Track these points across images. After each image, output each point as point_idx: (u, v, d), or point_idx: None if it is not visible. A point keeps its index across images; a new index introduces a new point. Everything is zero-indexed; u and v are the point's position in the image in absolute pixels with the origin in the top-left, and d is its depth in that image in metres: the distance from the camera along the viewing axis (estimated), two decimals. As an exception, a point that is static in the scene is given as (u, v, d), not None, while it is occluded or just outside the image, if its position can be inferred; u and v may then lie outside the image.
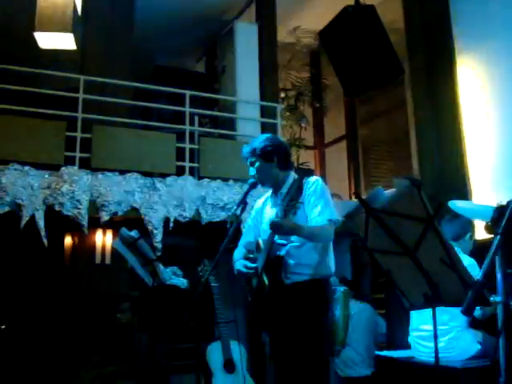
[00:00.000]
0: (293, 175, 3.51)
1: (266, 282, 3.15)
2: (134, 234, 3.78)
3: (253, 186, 3.44)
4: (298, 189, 3.19)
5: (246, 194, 3.40)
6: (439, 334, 3.79)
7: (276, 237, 3.21)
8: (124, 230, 3.80)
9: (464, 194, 5.64)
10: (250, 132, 6.56)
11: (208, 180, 6.10)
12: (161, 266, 3.71)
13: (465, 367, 3.74)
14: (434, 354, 3.78)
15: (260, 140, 3.50)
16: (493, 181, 5.70)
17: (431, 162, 6.24)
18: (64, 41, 4.66)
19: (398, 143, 8.04)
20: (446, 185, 5.91)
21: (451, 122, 6.08)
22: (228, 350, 4.20)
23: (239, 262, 3.36)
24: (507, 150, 5.58)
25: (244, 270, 3.27)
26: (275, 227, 3.05)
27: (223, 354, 4.20)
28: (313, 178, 3.43)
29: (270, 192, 3.55)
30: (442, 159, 6.13)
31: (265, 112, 6.96)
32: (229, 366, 4.21)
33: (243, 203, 3.38)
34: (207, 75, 8.31)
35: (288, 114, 8.28)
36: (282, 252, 3.22)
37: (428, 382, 3.91)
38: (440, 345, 3.81)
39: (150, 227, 5.77)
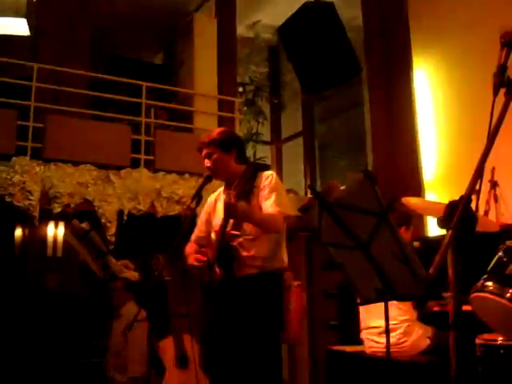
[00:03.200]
0: (257, 171, 3.52)
1: (218, 274, 3.15)
2: (85, 226, 3.72)
3: (208, 180, 3.42)
4: (251, 179, 3.23)
5: (201, 187, 3.38)
6: (390, 329, 3.87)
7: (228, 228, 3.21)
8: (75, 222, 3.74)
9: (417, 193, 5.73)
10: (208, 126, 6.51)
11: (163, 173, 6.04)
12: (112, 259, 3.66)
13: (414, 362, 3.81)
14: (385, 349, 3.87)
15: (218, 131, 3.50)
16: (445, 180, 5.82)
17: (385, 162, 6.31)
18: (17, 26, 4.53)
19: (354, 141, 8.13)
20: (399, 184, 5.99)
21: (406, 122, 6.17)
22: (181, 345, 4.17)
23: (191, 256, 3.35)
24: (459, 151, 5.69)
25: (196, 263, 3.25)
26: (229, 208, 3.03)
27: (176, 350, 4.16)
28: (268, 172, 3.45)
29: (223, 187, 3.54)
30: (396, 159, 6.21)
31: (223, 106, 6.93)
32: (182, 361, 4.18)
33: (198, 197, 3.36)
34: (166, 67, 8.23)
35: (246, 108, 8.27)
36: (234, 244, 3.21)
37: (379, 376, 3.97)
38: (391, 340, 3.88)
39: (103, 220, 5.68)
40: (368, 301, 1.67)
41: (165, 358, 4.14)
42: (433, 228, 5.64)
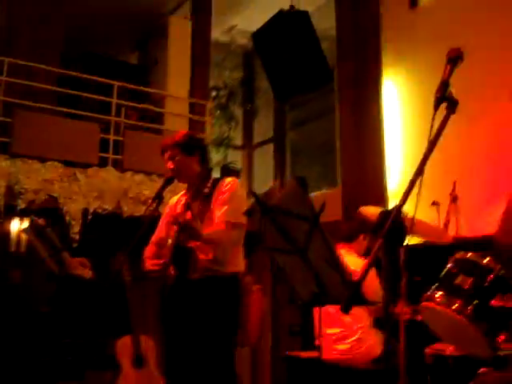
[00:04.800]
0: (211, 173, 3.55)
1: (173, 274, 3.18)
2: (41, 222, 3.71)
3: (169, 182, 3.44)
4: (206, 183, 3.27)
5: (162, 188, 3.40)
6: (344, 336, 3.94)
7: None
8: (33, 218, 3.72)
9: (381, 202, 5.79)
10: (178, 128, 6.50)
11: (131, 173, 6.04)
12: (67, 256, 3.66)
13: (367, 369, 3.86)
14: (341, 356, 3.93)
15: (182, 134, 3.54)
16: (412, 191, 5.90)
17: (352, 172, 6.38)
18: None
19: (326, 148, 8.18)
20: (364, 194, 6.06)
21: (373, 133, 6.24)
22: (138, 345, 4.17)
23: (148, 260, 3.36)
24: (427, 162, 5.78)
25: (152, 267, 3.27)
26: (176, 223, 3.10)
27: (133, 349, 4.16)
28: (230, 179, 3.48)
29: (184, 190, 3.57)
30: (362, 169, 6.28)
31: (194, 109, 6.95)
32: (138, 361, 4.18)
33: (158, 198, 3.38)
34: (140, 67, 8.22)
35: (218, 112, 8.29)
36: (191, 245, 3.24)
37: (335, 383, 4.02)
38: (346, 346, 3.94)
39: (67, 218, 5.66)
40: (307, 304, 1.70)
41: (121, 357, 4.14)
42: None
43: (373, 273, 4.00)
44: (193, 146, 3.47)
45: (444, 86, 1.64)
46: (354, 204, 5.64)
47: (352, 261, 3.99)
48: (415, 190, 5.74)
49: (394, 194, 5.94)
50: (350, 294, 1.30)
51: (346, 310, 1.33)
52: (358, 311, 3.87)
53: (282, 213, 1.56)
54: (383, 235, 1.32)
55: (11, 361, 5.25)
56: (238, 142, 8.99)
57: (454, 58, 1.70)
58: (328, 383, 4.06)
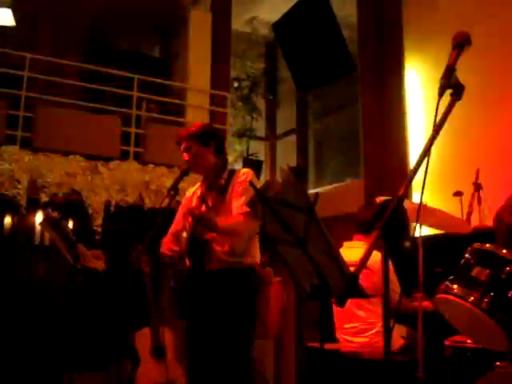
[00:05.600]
0: (226, 165, 3.53)
1: (189, 266, 3.17)
2: (56, 214, 3.74)
3: (185, 173, 3.44)
4: (222, 174, 3.25)
5: (178, 180, 3.41)
6: (363, 329, 3.90)
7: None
8: (48, 210, 3.76)
9: (405, 192, 5.71)
10: (199, 120, 6.51)
11: (152, 166, 6.06)
12: (82, 248, 3.68)
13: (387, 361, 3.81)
14: (360, 349, 3.90)
15: (198, 125, 3.53)
16: (435, 181, 5.81)
17: (375, 162, 6.31)
18: (2, 17, 4.54)
19: (349, 139, 8.11)
20: (386, 183, 5.99)
21: (397, 121, 6.16)
22: (157, 336, 4.19)
23: (164, 245, 3.39)
24: (450, 151, 5.68)
25: (167, 252, 3.29)
26: (194, 218, 3.10)
27: (152, 340, 4.19)
28: (245, 169, 3.46)
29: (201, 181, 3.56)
30: (385, 159, 6.21)
31: (215, 101, 6.93)
32: (158, 352, 4.20)
33: (174, 190, 3.39)
34: (161, 60, 8.24)
35: (240, 104, 8.26)
36: (207, 237, 3.23)
37: (354, 374, 3.99)
38: (365, 340, 3.90)
39: (90, 210, 5.71)
40: (309, 297, 1.68)
41: (140, 348, 4.17)
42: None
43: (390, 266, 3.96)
44: (208, 137, 3.45)
45: (449, 71, 1.59)
46: (377, 195, 5.58)
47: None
48: (433, 180, 5.66)
49: (417, 184, 5.84)
50: (346, 287, 1.27)
51: (341, 302, 1.30)
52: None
53: (279, 203, 1.54)
54: (381, 226, 1.28)
55: (36, 352, 5.33)
56: (261, 133, 8.95)
57: (461, 43, 1.64)
58: (347, 374, 4.04)
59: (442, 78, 1.62)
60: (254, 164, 7.49)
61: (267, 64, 8.98)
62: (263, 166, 8.15)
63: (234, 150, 7.94)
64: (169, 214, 3.57)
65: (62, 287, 6.15)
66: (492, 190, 4.75)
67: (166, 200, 3.36)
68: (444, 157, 5.81)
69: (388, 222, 1.28)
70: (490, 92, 4.95)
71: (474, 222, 4.75)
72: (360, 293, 1.37)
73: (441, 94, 1.57)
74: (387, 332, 1.48)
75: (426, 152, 1.48)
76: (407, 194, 5.81)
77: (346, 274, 1.40)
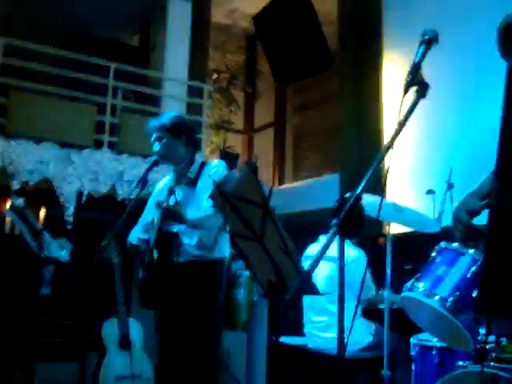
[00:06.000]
0: (198, 157, 3.49)
1: (156, 258, 3.14)
2: (19, 203, 3.67)
3: (155, 164, 3.40)
4: (191, 166, 3.22)
5: (148, 171, 3.36)
6: (331, 324, 3.89)
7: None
8: (14, 198, 3.69)
9: (379, 190, 5.71)
10: (175, 111, 6.44)
11: (127, 155, 5.98)
12: (48, 238, 3.63)
13: (354, 358, 3.81)
14: (328, 344, 3.89)
15: (169, 116, 3.48)
16: (408, 180, 5.82)
17: (351, 157, 6.30)
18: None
19: (328, 134, 8.10)
20: (362, 178, 5.97)
21: (374, 117, 6.15)
22: (125, 327, 4.14)
23: (133, 235, 3.35)
24: (424, 150, 5.70)
25: (135, 241, 3.25)
26: (159, 208, 3.08)
27: (119, 331, 4.14)
28: (216, 162, 3.43)
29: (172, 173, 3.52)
30: (361, 155, 6.20)
31: (192, 92, 6.87)
32: (125, 343, 4.16)
33: (143, 181, 3.35)
34: (139, 50, 8.14)
35: (219, 96, 8.21)
36: (175, 229, 3.20)
37: (319, 370, 3.99)
38: (332, 335, 3.89)
39: (62, 199, 5.63)
40: (268, 293, 1.66)
41: (107, 339, 4.12)
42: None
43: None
44: (179, 130, 3.40)
45: (415, 68, 1.57)
46: (351, 190, 5.57)
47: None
48: (406, 178, 5.63)
49: (391, 182, 5.86)
50: (299, 284, 1.24)
51: (293, 299, 1.27)
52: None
53: (237, 199, 1.51)
54: (337, 224, 1.26)
55: (7, 341, 5.25)
56: (239, 126, 8.91)
57: (428, 40, 1.62)
58: (312, 369, 4.03)
59: (407, 74, 1.60)
60: (230, 157, 7.45)
61: (247, 57, 8.93)
62: (240, 159, 8.11)
63: (211, 143, 7.90)
64: (138, 204, 3.53)
65: (32, 276, 6.08)
66: (464, 188, 4.76)
67: (136, 191, 3.32)
68: (418, 155, 5.84)
69: (344, 219, 1.26)
70: (465, 92, 4.97)
71: (447, 220, 4.76)
72: (313, 290, 1.35)
73: (405, 91, 1.55)
74: (341, 330, 1.46)
75: (388, 148, 1.46)
76: (383, 190, 5.81)
77: (299, 270, 1.37)
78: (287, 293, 1.44)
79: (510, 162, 1.27)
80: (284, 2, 6.81)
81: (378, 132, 6.12)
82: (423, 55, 1.62)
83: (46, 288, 5.75)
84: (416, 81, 1.57)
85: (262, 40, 7.19)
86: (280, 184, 8.24)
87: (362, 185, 1.35)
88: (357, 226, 1.15)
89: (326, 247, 1.23)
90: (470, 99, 4.67)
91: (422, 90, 1.56)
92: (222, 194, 1.54)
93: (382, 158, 1.43)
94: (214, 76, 8.21)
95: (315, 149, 8.60)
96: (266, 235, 1.50)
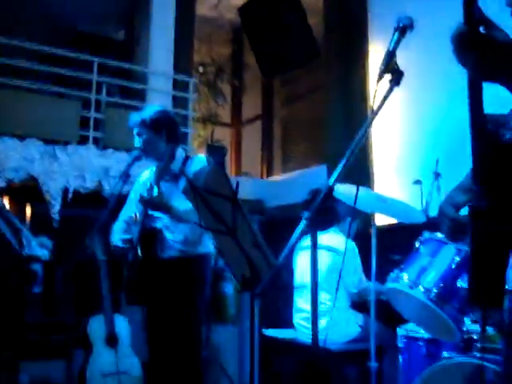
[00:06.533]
0: (181, 151, 3.46)
1: (140, 254, 3.11)
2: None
3: (137, 159, 3.37)
4: (178, 163, 3.18)
5: (129, 166, 3.35)
6: (319, 314, 3.86)
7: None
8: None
9: (366, 182, 5.70)
10: (161, 105, 6.37)
11: (112, 150, 5.92)
12: (28, 236, 3.58)
13: (342, 350, 3.80)
14: (312, 336, 3.86)
15: (150, 111, 3.45)
16: (395, 170, 5.81)
17: (338, 148, 6.26)
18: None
19: (315, 126, 8.06)
20: (349, 172, 5.94)
21: (360, 108, 6.11)
22: (111, 324, 4.11)
23: (116, 235, 3.31)
24: (410, 141, 5.68)
25: (119, 243, 3.22)
26: (144, 204, 3.05)
27: (106, 328, 4.11)
28: (200, 157, 3.42)
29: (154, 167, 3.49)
30: (348, 145, 6.16)
31: (178, 85, 6.81)
32: (111, 340, 4.12)
33: (125, 176, 3.33)
34: (124, 44, 8.06)
35: (205, 89, 8.15)
36: (159, 225, 3.18)
37: (307, 362, 3.96)
38: (320, 326, 3.87)
39: (47, 197, 5.57)
40: (243, 288, 1.63)
41: (93, 336, 4.08)
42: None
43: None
44: (160, 124, 3.38)
45: (389, 56, 1.54)
46: (341, 182, 5.53)
47: (335, 239, 3.92)
48: (393, 168, 5.57)
49: (378, 173, 5.85)
50: (268, 278, 1.21)
51: (263, 295, 1.24)
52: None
53: (207, 192, 1.48)
54: (309, 216, 1.23)
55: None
56: (227, 119, 8.85)
57: (402, 27, 1.59)
58: (300, 361, 4.01)
59: (381, 62, 1.56)
60: (218, 150, 7.40)
61: (233, 49, 8.86)
62: (228, 152, 8.06)
63: (198, 136, 7.85)
64: (121, 199, 3.50)
65: (15, 274, 6.02)
66: (451, 179, 4.74)
67: (118, 186, 3.30)
68: (404, 146, 5.81)
69: (316, 210, 1.23)
70: (452, 81, 4.93)
71: (433, 211, 4.75)
72: (283, 285, 1.31)
73: (379, 79, 1.52)
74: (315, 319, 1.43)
75: (362, 138, 1.42)
76: (370, 181, 5.79)
77: (270, 264, 1.34)
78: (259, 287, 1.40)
79: (481, 167, 1.24)
80: (269, -7, 6.77)
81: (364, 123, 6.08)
82: (397, 43, 1.59)
83: (38, 287, 5.71)
84: (390, 68, 1.54)
85: (248, 31, 7.14)
86: (268, 176, 8.21)
87: (335, 176, 1.30)
88: (329, 218, 1.12)
89: (296, 240, 1.19)
90: (458, 88, 4.63)
91: (397, 77, 1.53)
92: (193, 189, 1.51)
93: (356, 148, 1.40)
94: (201, 69, 8.14)
95: (303, 140, 8.56)
96: (237, 229, 1.48)
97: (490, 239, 1.30)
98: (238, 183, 1.48)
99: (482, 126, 1.25)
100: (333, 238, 3.90)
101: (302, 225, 1.23)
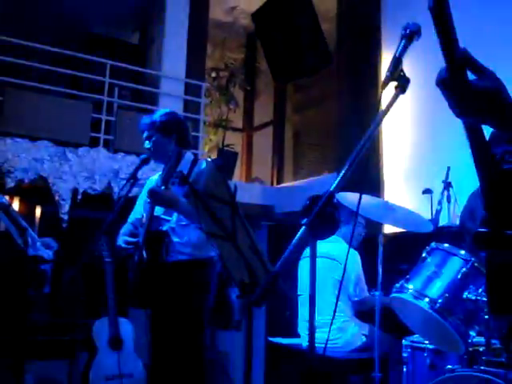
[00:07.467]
0: (189, 154, 3.45)
1: (145, 257, 3.10)
2: (4, 200, 3.64)
3: (145, 162, 3.37)
4: (178, 163, 3.16)
5: (137, 169, 3.34)
6: (325, 324, 3.84)
7: (159, 212, 3.17)
8: (-1, 196, 3.65)
9: (377, 189, 5.67)
10: (173, 109, 6.39)
11: (123, 154, 5.94)
12: (33, 236, 3.59)
13: (347, 358, 3.77)
14: (320, 344, 3.84)
15: (161, 114, 3.45)
16: (405, 179, 5.78)
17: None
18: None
19: (327, 133, 8.04)
20: (361, 180, 5.91)
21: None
22: (115, 327, 4.10)
23: (122, 237, 3.30)
24: (421, 150, 5.65)
25: (124, 245, 3.21)
26: (152, 195, 3.02)
27: (110, 331, 4.10)
28: (205, 161, 3.41)
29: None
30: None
31: (190, 90, 6.82)
32: (115, 342, 4.12)
33: (133, 179, 3.32)
34: (137, 47, 8.09)
35: (218, 94, 8.15)
36: (165, 228, 3.17)
37: (308, 370, 3.93)
38: (325, 335, 3.84)
39: (57, 197, 5.59)
40: (243, 294, 1.61)
41: (97, 339, 4.08)
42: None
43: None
44: (170, 127, 3.38)
45: (395, 63, 1.52)
46: (350, 190, 5.51)
47: (337, 247, 3.90)
48: (403, 177, 5.54)
49: (390, 182, 5.82)
50: (264, 285, 1.20)
51: (257, 304, 1.22)
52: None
53: (208, 197, 1.47)
54: (307, 223, 1.21)
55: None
56: (238, 124, 8.85)
57: (409, 34, 1.57)
58: (304, 370, 3.98)
59: (387, 69, 1.54)
60: (229, 155, 7.40)
61: (246, 54, 8.87)
62: (239, 157, 8.06)
63: (210, 141, 7.85)
64: (128, 202, 3.49)
65: (20, 274, 6.03)
66: (462, 188, 4.71)
67: (126, 188, 3.29)
68: (414, 155, 5.78)
69: (315, 217, 1.21)
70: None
71: (444, 220, 4.71)
72: (281, 292, 1.30)
73: (384, 86, 1.50)
74: (311, 328, 1.42)
75: (364, 145, 1.40)
76: (381, 190, 5.76)
77: (268, 270, 1.33)
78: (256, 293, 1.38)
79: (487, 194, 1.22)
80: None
81: (376, 131, 6.05)
82: (404, 50, 1.56)
83: (46, 287, 5.71)
84: (396, 75, 1.51)
85: (261, 37, 7.14)
86: (279, 183, 8.19)
87: (336, 183, 1.28)
88: (329, 225, 1.11)
89: (295, 247, 1.18)
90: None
91: (403, 85, 1.51)
92: (194, 193, 1.50)
93: (359, 155, 1.37)
94: (213, 74, 8.15)
95: (315, 147, 8.54)
96: (237, 234, 1.46)
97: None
98: (235, 186, 1.46)
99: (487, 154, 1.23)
100: (335, 247, 3.89)
101: (301, 231, 1.21)
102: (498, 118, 1.13)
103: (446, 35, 1.08)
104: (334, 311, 3.79)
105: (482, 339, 2.56)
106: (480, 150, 1.22)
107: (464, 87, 1.10)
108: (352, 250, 3.86)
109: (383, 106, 1.52)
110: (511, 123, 1.12)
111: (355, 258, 3.86)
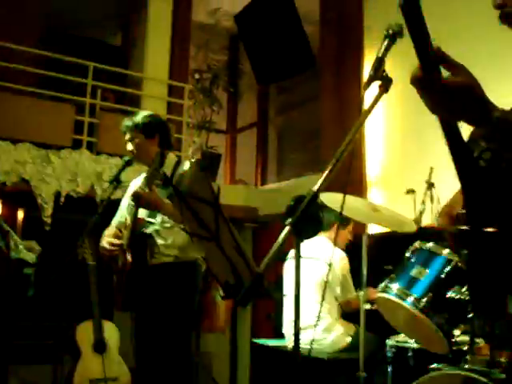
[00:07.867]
0: (172, 156, 3.44)
1: (130, 260, 3.08)
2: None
3: (128, 164, 3.36)
4: (161, 165, 3.15)
5: (120, 171, 3.34)
6: (310, 325, 3.84)
7: (143, 214, 3.16)
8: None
9: (360, 190, 5.69)
10: (156, 111, 6.35)
11: (106, 156, 5.90)
12: (15, 239, 3.56)
13: (332, 359, 3.78)
14: (306, 345, 3.84)
15: (143, 115, 3.44)
16: (388, 179, 5.81)
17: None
18: None
19: (311, 134, 8.05)
20: (343, 179, 5.93)
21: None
22: (100, 330, 4.08)
23: (105, 238, 3.28)
24: (404, 150, 5.68)
25: (107, 246, 3.19)
26: (136, 197, 3.01)
27: (94, 334, 4.08)
28: (190, 162, 3.40)
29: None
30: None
31: (173, 92, 6.80)
32: (100, 346, 4.09)
33: (116, 181, 3.31)
34: (120, 49, 8.06)
35: (201, 96, 8.11)
36: (149, 230, 3.16)
37: (292, 371, 3.94)
38: (308, 335, 3.85)
39: (39, 200, 5.55)
40: (227, 296, 1.61)
41: (81, 342, 4.05)
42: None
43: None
44: (153, 128, 3.37)
45: (378, 63, 1.52)
46: (333, 191, 5.52)
47: (322, 248, 3.91)
48: (392, 179, 5.55)
49: (373, 182, 5.84)
50: (249, 286, 1.19)
51: (243, 303, 1.22)
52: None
53: (191, 197, 1.46)
54: (291, 223, 1.21)
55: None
56: (222, 126, 8.83)
57: (392, 34, 1.57)
58: (290, 372, 3.99)
59: (370, 69, 1.55)
60: (212, 157, 7.38)
61: (229, 56, 8.85)
62: (222, 159, 8.04)
63: (193, 143, 7.82)
64: (111, 205, 3.47)
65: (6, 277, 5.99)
66: (444, 188, 4.73)
67: (109, 191, 3.28)
68: (397, 155, 5.81)
69: (299, 217, 1.21)
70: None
71: (426, 220, 4.74)
72: (265, 293, 1.30)
73: (367, 86, 1.50)
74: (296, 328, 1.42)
75: (347, 145, 1.40)
76: (364, 191, 5.78)
77: (252, 271, 1.32)
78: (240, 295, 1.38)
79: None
80: (266, 1, 6.76)
81: (359, 132, 6.07)
82: (386, 50, 1.57)
83: (30, 290, 5.67)
84: (379, 75, 1.52)
85: (244, 39, 7.13)
86: (263, 184, 8.19)
87: (320, 183, 1.28)
88: (313, 225, 1.11)
89: (279, 248, 1.18)
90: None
91: (385, 84, 1.51)
92: (177, 193, 1.49)
93: (342, 155, 1.38)
94: (197, 76, 8.11)
95: (298, 149, 8.56)
96: (220, 235, 1.46)
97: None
98: (218, 188, 1.46)
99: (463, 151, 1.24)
100: (320, 247, 3.90)
101: (285, 231, 1.21)
102: (472, 113, 1.15)
103: (417, 33, 1.10)
104: (319, 312, 3.79)
105: (466, 338, 2.58)
106: (456, 147, 1.23)
107: (438, 84, 1.11)
108: (340, 251, 3.87)
109: (366, 105, 1.52)
110: (486, 117, 1.14)
111: (343, 259, 3.87)
